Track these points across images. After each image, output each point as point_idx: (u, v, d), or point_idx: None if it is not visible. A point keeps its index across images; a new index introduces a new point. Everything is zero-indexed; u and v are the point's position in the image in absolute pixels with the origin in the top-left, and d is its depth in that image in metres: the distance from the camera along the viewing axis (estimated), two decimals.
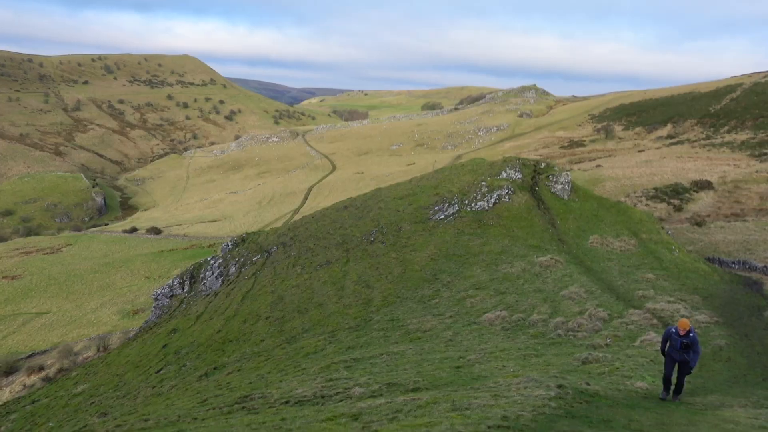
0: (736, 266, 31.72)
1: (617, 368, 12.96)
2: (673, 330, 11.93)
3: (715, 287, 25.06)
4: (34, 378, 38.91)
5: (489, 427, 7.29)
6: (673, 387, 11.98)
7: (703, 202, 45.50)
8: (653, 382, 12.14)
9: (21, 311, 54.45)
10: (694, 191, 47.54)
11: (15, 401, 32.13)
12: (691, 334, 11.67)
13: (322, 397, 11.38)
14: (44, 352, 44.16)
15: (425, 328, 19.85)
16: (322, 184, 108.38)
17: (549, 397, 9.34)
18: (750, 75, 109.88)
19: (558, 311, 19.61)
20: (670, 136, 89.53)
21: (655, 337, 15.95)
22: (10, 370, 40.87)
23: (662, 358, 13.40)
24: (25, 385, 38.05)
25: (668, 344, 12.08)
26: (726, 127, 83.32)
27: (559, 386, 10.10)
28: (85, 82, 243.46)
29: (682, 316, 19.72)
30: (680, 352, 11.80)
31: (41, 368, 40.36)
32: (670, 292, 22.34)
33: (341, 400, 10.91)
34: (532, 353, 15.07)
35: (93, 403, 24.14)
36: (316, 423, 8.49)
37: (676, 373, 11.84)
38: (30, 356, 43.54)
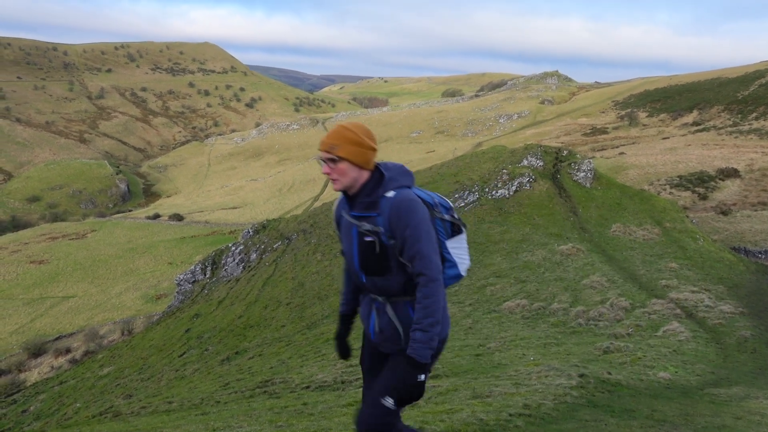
0: (763, 256, 31.12)
1: (639, 358, 12.83)
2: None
3: (741, 277, 24.63)
4: (61, 360, 39.89)
5: (511, 415, 7.28)
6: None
7: (729, 190, 44.56)
8: (676, 372, 12.01)
9: (48, 295, 55.74)
10: (720, 179, 46.55)
11: (44, 382, 32.99)
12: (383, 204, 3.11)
13: (342, 382, 11.46)
14: (71, 334, 45.20)
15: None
16: None
17: (570, 386, 9.29)
18: None
19: (579, 300, 19.46)
20: (695, 123, 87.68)
21: (678, 328, 15.73)
22: (38, 352, 41.92)
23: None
24: (53, 367, 39.02)
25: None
26: (754, 114, 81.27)
27: (581, 375, 10.04)
28: (109, 70, 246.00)
29: (707, 306, 18.82)
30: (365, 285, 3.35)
31: (68, 350, 41.35)
32: (694, 282, 22.01)
33: (361, 386, 10.98)
34: (553, 342, 14.99)
35: (118, 384, 24.67)
36: (337, 408, 8.57)
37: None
38: (57, 339, 44.62)
